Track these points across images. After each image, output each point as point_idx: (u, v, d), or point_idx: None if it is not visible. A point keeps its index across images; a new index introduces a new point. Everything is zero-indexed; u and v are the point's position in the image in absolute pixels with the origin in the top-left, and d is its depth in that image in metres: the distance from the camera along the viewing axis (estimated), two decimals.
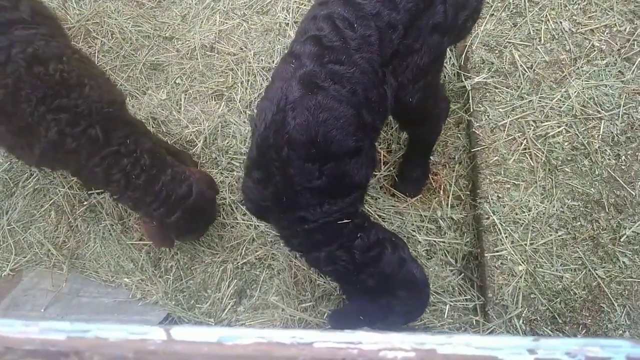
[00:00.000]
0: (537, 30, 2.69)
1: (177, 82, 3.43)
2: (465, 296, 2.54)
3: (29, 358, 0.59)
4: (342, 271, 2.05)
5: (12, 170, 3.16)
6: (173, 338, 0.56)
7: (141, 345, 0.56)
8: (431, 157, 2.71)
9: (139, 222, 2.89)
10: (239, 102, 3.25)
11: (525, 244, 2.41)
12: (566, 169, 2.48)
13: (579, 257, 2.37)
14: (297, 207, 1.90)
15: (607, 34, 2.61)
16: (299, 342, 0.55)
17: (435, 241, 2.65)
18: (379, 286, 2.05)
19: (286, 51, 1.96)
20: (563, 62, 2.62)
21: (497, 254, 2.43)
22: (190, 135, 3.16)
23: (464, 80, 2.70)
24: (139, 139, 2.36)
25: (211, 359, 0.55)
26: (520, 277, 2.38)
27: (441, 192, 2.73)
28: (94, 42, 3.54)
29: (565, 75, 2.59)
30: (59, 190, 3.07)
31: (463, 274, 2.60)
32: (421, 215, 2.70)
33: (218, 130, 3.18)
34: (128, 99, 3.35)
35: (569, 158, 2.49)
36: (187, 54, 3.47)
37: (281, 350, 0.55)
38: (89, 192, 2.99)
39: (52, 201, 3.05)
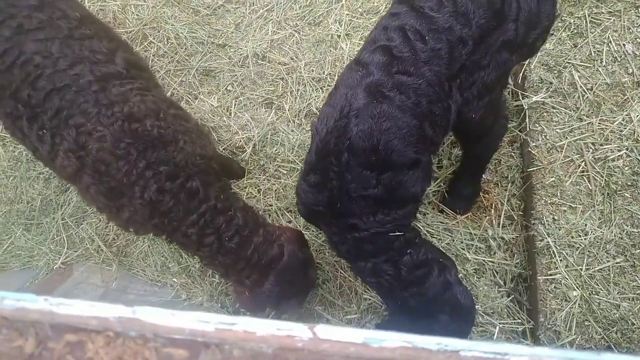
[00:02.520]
0: (598, 51, 2.65)
1: (228, 88, 3.50)
2: (514, 319, 2.49)
3: (171, 347, 0.61)
4: (386, 285, 2.02)
5: None
6: (318, 336, 0.57)
7: (288, 341, 0.56)
8: (483, 175, 2.68)
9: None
10: (288, 110, 3.29)
11: (581, 269, 2.35)
12: (626, 194, 2.41)
13: (638, 286, 2.30)
14: (350, 214, 1.89)
15: None
16: (445, 349, 0.55)
17: (484, 260, 2.61)
18: (420, 308, 2.01)
19: (352, 59, 1.98)
20: (625, 85, 2.56)
21: (551, 277, 2.37)
22: (240, 141, 3.21)
23: (521, 98, 2.67)
24: (230, 195, 2.20)
25: None
26: (575, 303, 2.32)
27: (492, 211, 2.69)
28: (150, 47, 3.65)
29: (627, 98, 2.54)
30: None
31: (512, 296, 2.54)
32: (471, 233, 2.67)
33: (267, 138, 3.23)
34: (181, 103, 3.43)
35: (629, 183, 2.43)
36: (239, 61, 3.55)
37: (428, 357, 0.55)
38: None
39: None
